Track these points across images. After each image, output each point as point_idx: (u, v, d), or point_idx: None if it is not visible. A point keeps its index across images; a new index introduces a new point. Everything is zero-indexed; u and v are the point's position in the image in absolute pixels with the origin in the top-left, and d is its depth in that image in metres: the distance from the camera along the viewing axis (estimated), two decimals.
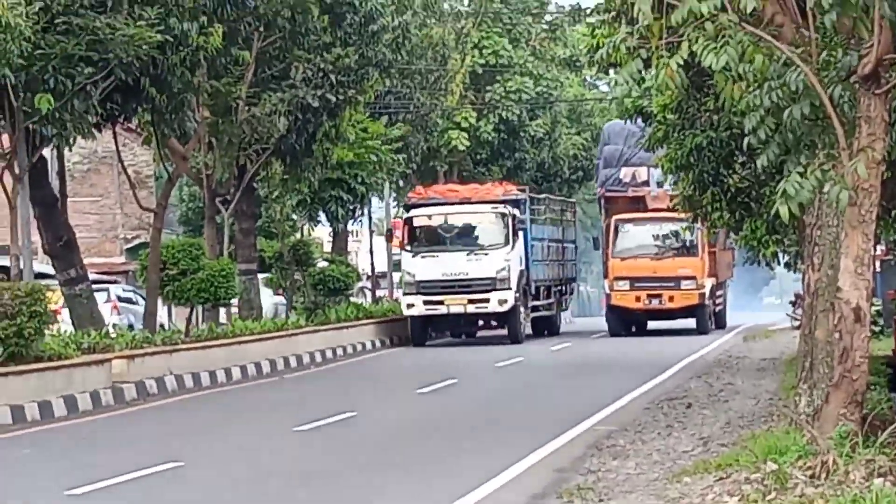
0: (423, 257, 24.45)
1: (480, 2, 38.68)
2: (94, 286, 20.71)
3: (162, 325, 20.65)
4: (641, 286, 26.36)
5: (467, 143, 35.30)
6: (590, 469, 9.06)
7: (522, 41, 39.09)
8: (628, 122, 24.32)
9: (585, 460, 9.62)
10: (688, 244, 26.08)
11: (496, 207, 24.72)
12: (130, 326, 21.22)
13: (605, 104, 40.50)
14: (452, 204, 25.31)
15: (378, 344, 25.68)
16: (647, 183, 27.22)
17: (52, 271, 19.74)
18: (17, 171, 16.03)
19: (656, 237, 26.94)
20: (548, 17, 41.95)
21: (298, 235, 29.75)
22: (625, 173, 27.78)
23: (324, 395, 17.50)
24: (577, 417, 12.49)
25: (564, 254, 30.22)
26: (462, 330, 26.96)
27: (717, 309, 28.98)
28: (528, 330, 26.94)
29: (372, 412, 14.61)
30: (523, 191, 27.32)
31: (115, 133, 21.00)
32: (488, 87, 37.18)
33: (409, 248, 24.71)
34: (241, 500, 8.96)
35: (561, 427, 11.46)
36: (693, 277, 26.03)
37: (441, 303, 24.15)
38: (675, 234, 25.76)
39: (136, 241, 32.80)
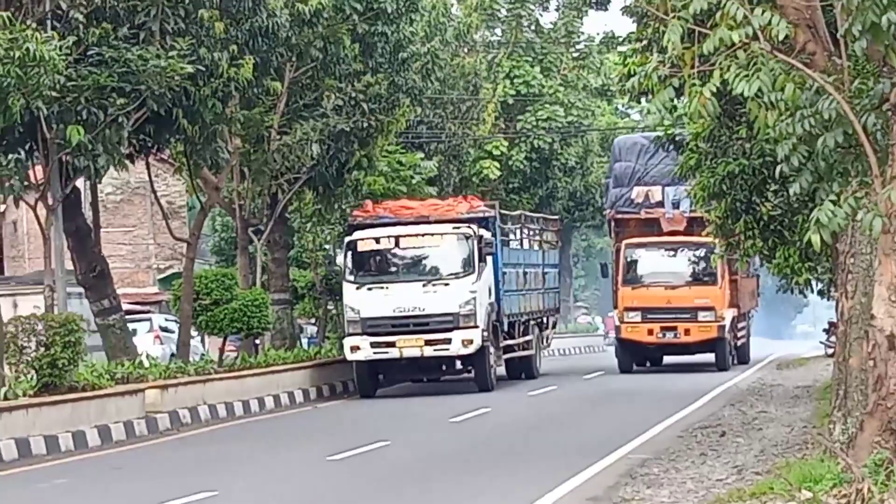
0: (369, 289, 20.20)
1: (512, 32, 39.01)
2: (137, 315, 20.75)
3: (202, 355, 20.67)
4: (654, 318, 23.76)
5: (499, 173, 35.24)
6: (623, 498, 8.85)
7: (554, 70, 39.26)
8: (640, 136, 22.88)
9: (619, 489, 9.39)
10: (706, 271, 23.70)
11: (458, 227, 20.53)
12: (172, 355, 21.25)
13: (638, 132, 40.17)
14: (406, 224, 20.99)
15: None
16: (661, 203, 24.68)
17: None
18: (50, 201, 16.05)
19: (671, 264, 24.45)
20: (579, 47, 41.76)
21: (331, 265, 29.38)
22: (637, 193, 25.01)
23: (357, 424, 17.16)
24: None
25: (545, 281, 25.94)
26: (422, 375, 22.38)
27: (740, 343, 26.51)
28: (503, 372, 23.06)
29: (406, 441, 14.41)
30: (493, 206, 23.03)
31: (147, 164, 20.95)
32: (519, 117, 37.42)
33: (351, 278, 20.28)
34: None
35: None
36: (712, 308, 23.42)
37: (392, 345, 19.87)
38: (690, 261, 24.07)
39: (169, 272, 32.62)
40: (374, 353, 19.77)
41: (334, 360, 21.94)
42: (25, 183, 16.41)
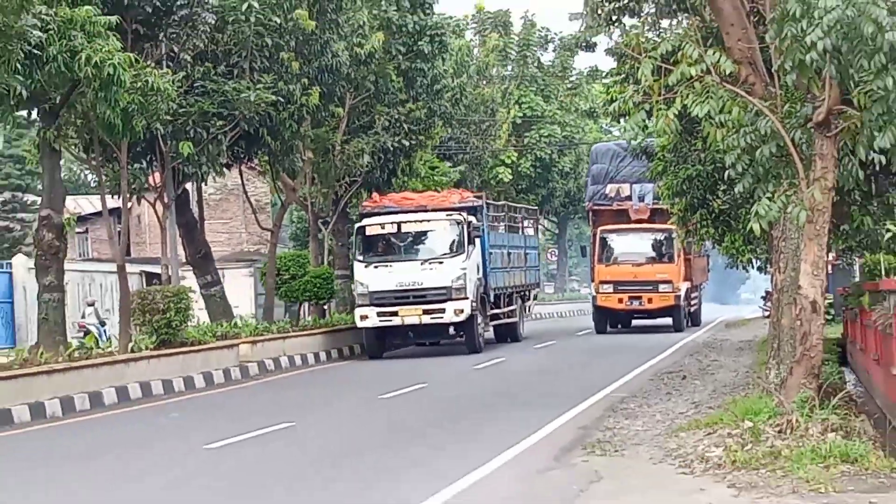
0: (375, 267, 18.64)
1: (520, 68, 38.81)
2: None
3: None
4: (623, 289, 22.79)
5: (510, 177, 35.24)
6: (607, 427, 8.60)
7: (552, 97, 39.12)
8: (613, 144, 21.85)
9: (603, 420, 9.09)
10: (665, 252, 22.94)
11: (451, 215, 18.95)
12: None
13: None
14: (406, 212, 19.47)
15: None
16: (629, 198, 23.73)
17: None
18: (166, 200, 16.12)
19: (637, 245, 23.45)
20: (572, 79, 41.61)
21: None
22: (610, 189, 24.17)
23: (401, 371, 16.46)
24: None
25: (527, 260, 24.28)
26: (423, 339, 20.23)
27: (693, 309, 25.44)
28: (491, 336, 21.29)
29: (439, 384, 14.05)
30: (480, 197, 21.27)
31: (240, 170, 21.03)
32: (526, 133, 37.29)
33: (360, 258, 18.83)
34: (340, 447, 8.71)
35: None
36: (670, 281, 22.57)
37: (395, 314, 18.32)
38: (652, 243, 23.05)
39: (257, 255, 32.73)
40: (380, 321, 18.25)
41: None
42: (146, 185, 16.52)
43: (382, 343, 18.63)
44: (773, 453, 6.24)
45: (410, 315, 17.86)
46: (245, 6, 15.39)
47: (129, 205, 18.97)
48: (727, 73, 6.86)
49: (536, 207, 32.34)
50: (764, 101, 6.97)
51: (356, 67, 19.32)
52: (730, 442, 6.61)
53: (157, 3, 14.19)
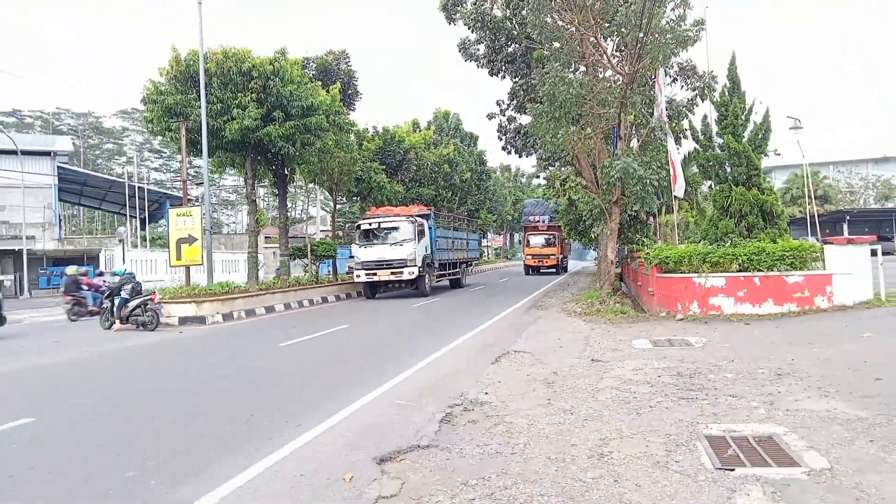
0: (365, 248, 26.25)
1: (513, 183, 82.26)
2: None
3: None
4: (535, 257, 44.29)
5: (511, 217, 73.39)
6: (536, 307, 18.81)
7: (525, 191, 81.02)
8: (533, 200, 47.13)
9: (538, 300, 19.64)
10: (552, 241, 43.97)
11: (409, 218, 26.56)
12: None
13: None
14: (386, 217, 27.41)
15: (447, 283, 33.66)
16: (539, 221, 45.79)
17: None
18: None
19: (541, 240, 44.72)
20: (538, 183, 74.06)
21: None
22: (532, 218, 46.52)
23: (390, 303, 22.97)
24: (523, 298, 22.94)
25: (468, 245, 34.85)
26: (394, 289, 28.91)
27: (564, 265, 46.85)
28: (446, 284, 31.83)
29: (442, 300, 22.63)
30: (430, 209, 30.16)
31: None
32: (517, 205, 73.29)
33: (358, 242, 26.59)
34: (384, 336, 13.40)
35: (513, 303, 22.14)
36: (554, 254, 44.03)
37: (375, 274, 25.94)
38: (546, 239, 43.99)
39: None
40: (367, 278, 26.07)
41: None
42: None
43: (374, 289, 27.07)
44: (598, 310, 17.06)
45: (385, 275, 26.06)
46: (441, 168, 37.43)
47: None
48: (583, 184, 18.80)
49: (477, 218, 52.88)
50: (595, 194, 19.06)
51: (463, 182, 43.72)
52: (584, 306, 18.20)
53: (396, 162, 30.61)
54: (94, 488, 5.19)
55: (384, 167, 32.29)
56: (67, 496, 5.05)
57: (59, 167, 47.06)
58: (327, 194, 35.41)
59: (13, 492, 5.19)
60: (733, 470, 5.10)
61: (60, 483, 5.34)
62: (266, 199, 76.29)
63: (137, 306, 17.69)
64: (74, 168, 53.63)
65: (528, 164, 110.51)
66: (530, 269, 44.37)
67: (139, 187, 51.96)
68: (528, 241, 45.21)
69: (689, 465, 5.25)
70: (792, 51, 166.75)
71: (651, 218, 24.22)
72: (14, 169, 40.58)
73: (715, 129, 18.25)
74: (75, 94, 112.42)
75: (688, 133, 19.80)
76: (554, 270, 44.15)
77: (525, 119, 24.91)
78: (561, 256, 45.03)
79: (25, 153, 42.43)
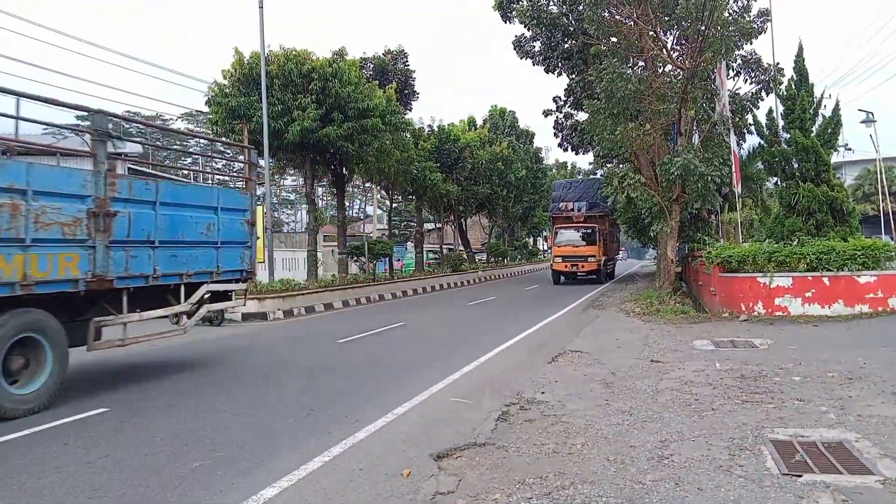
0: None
1: (572, 174, 68.59)
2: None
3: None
4: (569, 259, 31.99)
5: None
6: (593, 306, 19.05)
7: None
8: (565, 180, 36.97)
9: (595, 300, 20.01)
10: (591, 238, 31.89)
11: None
12: None
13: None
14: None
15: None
16: (573, 209, 33.54)
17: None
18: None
19: (575, 235, 32.42)
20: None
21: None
22: (563, 205, 34.03)
23: (481, 291, 25.59)
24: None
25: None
26: None
27: (610, 269, 36.23)
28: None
29: (505, 297, 22.96)
30: None
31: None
32: None
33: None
34: (440, 334, 13.94)
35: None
36: (594, 255, 31.69)
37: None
38: (584, 234, 32.18)
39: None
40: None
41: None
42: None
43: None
44: (657, 310, 16.87)
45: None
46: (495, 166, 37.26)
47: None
48: (642, 182, 18.51)
49: (533, 216, 55.39)
50: (655, 191, 18.70)
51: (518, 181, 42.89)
52: (642, 305, 17.95)
53: (452, 161, 30.43)
54: (163, 478, 5.38)
55: (439, 166, 32.29)
56: (139, 485, 5.25)
57: (129, 168, 48.94)
58: (384, 193, 35.80)
59: (90, 478, 5.43)
60: (801, 476, 4.93)
61: (132, 472, 5.56)
62: (325, 198, 77.78)
63: None
64: (144, 169, 55.63)
65: (584, 161, 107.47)
66: (561, 276, 32.99)
67: None
68: (557, 237, 33.22)
69: (753, 470, 5.10)
70: (864, 39, 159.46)
71: (713, 216, 23.59)
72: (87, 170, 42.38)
73: (781, 123, 17.64)
74: (145, 98, 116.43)
75: (752, 128, 19.18)
76: (594, 277, 32.31)
77: (582, 116, 24.64)
78: (605, 258, 33.63)
79: None
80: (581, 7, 19.68)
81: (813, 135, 16.89)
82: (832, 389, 7.58)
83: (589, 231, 32.26)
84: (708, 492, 4.71)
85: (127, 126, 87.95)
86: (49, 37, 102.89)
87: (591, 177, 33.18)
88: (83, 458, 5.95)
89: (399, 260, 39.09)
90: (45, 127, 13.19)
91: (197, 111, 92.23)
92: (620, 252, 47.06)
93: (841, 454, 5.37)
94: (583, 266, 31.77)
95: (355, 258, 29.84)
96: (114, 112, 10.28)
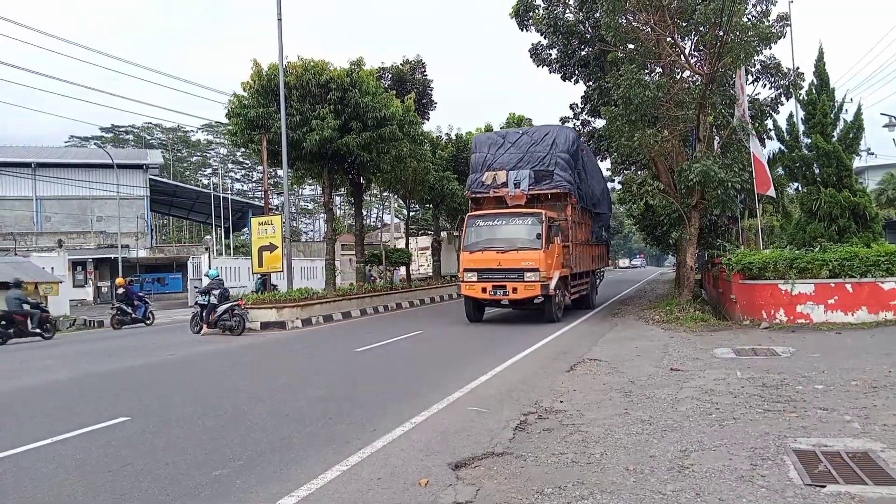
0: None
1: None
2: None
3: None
4: (488, 274, 18.22)
5: None
6: (612, 315, 18.93)
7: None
8: (493, 133, 21.38)
9: (613, 308, 19.87)
10: (536, 232, 17.91)
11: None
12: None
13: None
14: None
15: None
16: (505, 184, 19.80)
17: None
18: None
19: (507, 228, 18.48)
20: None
21: None
22: (487, 176, 20.14)
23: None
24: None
25: None
26: None
27: (582, 293, 21.36)
28: None
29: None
30: None
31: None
32: None
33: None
34: (457, 342, 13.87)
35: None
36: (536, 266, 17.79)
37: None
38: (522, 224, 18.31)
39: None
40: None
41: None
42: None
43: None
44: (676, 318, 16.67)
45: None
46: None
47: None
48: (660, 188, 18.33)
49: None
50: (673, 198, 18.50)
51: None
52: (662, 313, 17.71)
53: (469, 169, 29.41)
54: (183, 487, 5.42)
55: (456, 175, 32.26)
56: (159, 493, 5.29)
57: (150, 179, 49.70)
58: (402, 202, 35.91)
59: (112, 486, 5.48)
60: (825, 486, 4.84)
61: (152, 481, 5.60)
62: (342, 207, 78.32)
63: (225, 311, 18.41)
64: (164, 180, 56.45)
65: (602, 167, 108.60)
66: (473, 307, 19.20)
67: (223, 198, 54.15)
68: (469, 234, 18.80)
69: (776, 481, 5.02)
70: (888, 41, 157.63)
71: (733, 222, 23.36)
72: (110, 181, 43.09)
73: (801, 128, 17.46)
74: (164, 111, 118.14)
75: (772, 133, 19.00)
76: (538, 310, 18.73)
77: (599, 123, 24.57)
78: (559, 273, 18.63)
79: (120, 167, 44.95)
80: (598, 14, 19.64)
81: (834, 139, 16.71)
82: (856, 398, 7.45)
83: (531, 220, 18.11)
84: (729, 502, 4.65)
85: (148, 138, 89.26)
86: (79, 53, 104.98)
87: (546, 125, 20.72)
88: (106, 467, 6.01)
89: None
90: (69, 137, 13.41)
91: (217, 122, 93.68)
92: (614, 264, 37.14)
93: (866, 464, 5.27)
94: (515, 290, 17.95)
95: (370, 270, 30.00)
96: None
